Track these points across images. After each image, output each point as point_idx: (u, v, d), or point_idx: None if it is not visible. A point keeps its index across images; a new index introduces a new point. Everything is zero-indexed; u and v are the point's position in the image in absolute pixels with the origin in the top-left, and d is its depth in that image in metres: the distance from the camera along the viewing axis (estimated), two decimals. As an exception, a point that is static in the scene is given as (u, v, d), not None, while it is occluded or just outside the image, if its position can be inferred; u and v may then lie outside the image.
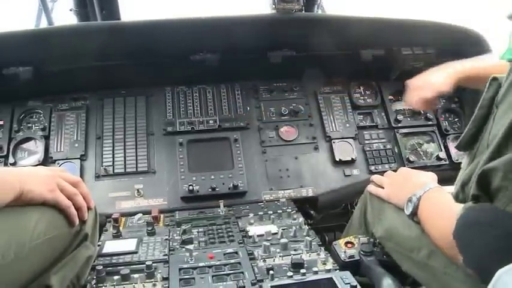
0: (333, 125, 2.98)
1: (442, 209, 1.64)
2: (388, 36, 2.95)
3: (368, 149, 2.94)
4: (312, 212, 2.80)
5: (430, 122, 3.06)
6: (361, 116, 3.09)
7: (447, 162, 2.91)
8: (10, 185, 1.48)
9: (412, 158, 2.91)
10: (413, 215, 1.76)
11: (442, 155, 2.92)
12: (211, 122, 2.86)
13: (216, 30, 2.81)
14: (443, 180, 2.93)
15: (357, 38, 2.89)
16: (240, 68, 2.98)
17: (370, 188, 2.20)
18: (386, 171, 2.82)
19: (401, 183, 2.00)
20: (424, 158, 2.96)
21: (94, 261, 1.88)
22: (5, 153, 2.70)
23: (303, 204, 2.73)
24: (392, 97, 3.17)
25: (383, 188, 2.11)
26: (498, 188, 1.20)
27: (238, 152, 2.76)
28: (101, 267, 1.81)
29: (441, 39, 2.95)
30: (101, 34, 2.74)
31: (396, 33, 2.96)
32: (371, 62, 2.99)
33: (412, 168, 2.83)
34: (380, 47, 2.99)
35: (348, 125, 2.99)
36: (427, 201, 1.75)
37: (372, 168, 2.86)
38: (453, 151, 2.92)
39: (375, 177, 2.24)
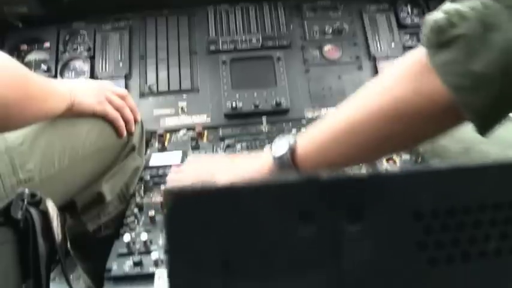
0: (378, 44, 2.89)
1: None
2: None
3: (415, 68, 2.85)
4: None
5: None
6: (408, 36, 2.95)
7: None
8: (62, 96, 1.54)
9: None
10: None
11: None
12: (253, 40, 2.82)
13: None
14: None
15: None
16: (283, -15, 2.89)
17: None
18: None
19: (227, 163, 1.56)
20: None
21: (141, 172, 1.96)
22: (53, 73, 2.75)
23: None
24: (441, 15, 3.03)
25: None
26: None
27: (281, 69, 2.73)
28: (148, 177, 1.89)
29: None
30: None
31: None
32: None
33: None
34: (431, -39, 2.83)
35: (393, 44, 2.89)
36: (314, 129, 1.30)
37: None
38: None
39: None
